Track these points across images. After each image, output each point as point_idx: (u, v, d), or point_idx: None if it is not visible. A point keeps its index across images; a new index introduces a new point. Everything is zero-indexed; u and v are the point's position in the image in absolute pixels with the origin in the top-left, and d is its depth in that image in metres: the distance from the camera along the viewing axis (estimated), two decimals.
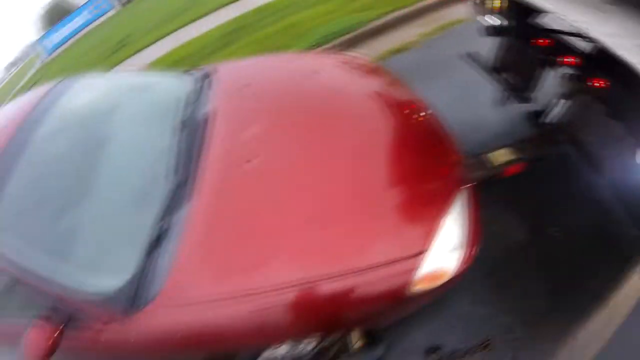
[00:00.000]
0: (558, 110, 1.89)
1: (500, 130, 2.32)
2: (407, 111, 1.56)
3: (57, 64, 16.36)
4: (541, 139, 1.90)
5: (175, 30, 8.28)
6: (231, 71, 1.92)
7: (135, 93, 1.86)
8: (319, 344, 1.61)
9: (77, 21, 20.74)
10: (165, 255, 1.22)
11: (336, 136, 1.40)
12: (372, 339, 1.68)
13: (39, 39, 21.04)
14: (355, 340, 1.67)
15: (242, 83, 1.72)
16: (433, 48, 3.41)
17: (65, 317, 1.22)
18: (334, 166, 1.31)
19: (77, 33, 20.52)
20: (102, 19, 20.40)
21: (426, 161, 1.37)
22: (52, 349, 1.16)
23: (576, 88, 1.71)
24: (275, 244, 1.17)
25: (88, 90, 1.85)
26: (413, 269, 1.12)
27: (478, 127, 2.33)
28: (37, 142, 1.47)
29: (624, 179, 1.47)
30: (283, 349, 1.51)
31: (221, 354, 1.29)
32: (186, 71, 2.17)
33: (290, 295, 1.10)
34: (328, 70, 1.85)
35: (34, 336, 1.17)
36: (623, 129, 1.45)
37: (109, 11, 20.68)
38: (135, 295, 1.19)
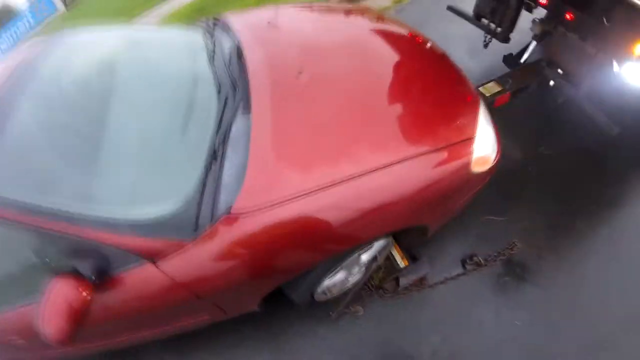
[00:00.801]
0: (533, 49, 2.19)
1: (486, 70, 2.58)
2: (420, 44, 1.72)
3: None
4: (521, 73, 2.17)
5: (145, 10, 7.67)
6: (240, 16, 1.89)
7: (154, 38, 1.77)
8: (367, 269, 1.68)
9: (19, 26, 18.44)
10: (233, 165, 1.15)
11: (367, 67, 1.51)
12: (413, 257, 1.78)
13: None
14: (399, 260, 1.76)
15: (261, 20, 1.73)
16: (419, 3, 3.61)
17: (98, 264, 1.05)
18: (377, 82, 1.44)
19: (21, 38, 18.45)
20: (47, 20, 18.53)
21: (450, 79, 1.58)
22: (85, 304, 0.97)
23: (548, 28, 2.01)
24: (348, 139, 1.21)
25: (95, 40, 1.70)
26: (471, 151, 1.29)
27: (466, 69, 2.59)
28: (60, 79, 1.35)
29: (603, 87, 1.76)
30: (339, 276, 1.56)
31: (290, 275, 1.29)
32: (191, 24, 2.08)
33: (370, 182, 1.14)
34: (346, 14, 1.95)
35: (59, 291, 0.96)
36: (593, 49, 1.75)
37: (53, 14, 18.92)
38: (198, 214, 1.08)
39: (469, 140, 1.30)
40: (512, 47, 2.26)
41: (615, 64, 1.66)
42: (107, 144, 1.18)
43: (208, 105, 1.30)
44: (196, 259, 1.08)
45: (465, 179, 1.32)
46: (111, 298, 1.11)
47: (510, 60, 2.31)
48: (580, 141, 2.13)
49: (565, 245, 1.78)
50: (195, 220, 1.08)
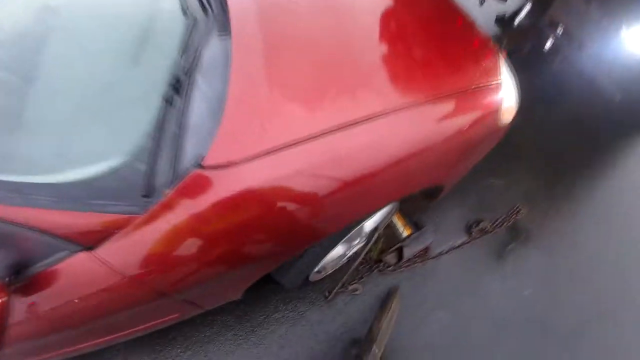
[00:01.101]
0: (525, 12, 2.07)
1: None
2: None
3: None
4: (518, 33, 2.05)
5: None
6: None
7: None
8: (368, 240, 1.43)
9: None
10: (206, 100, 0.79)
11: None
12: (415, 225, 1.57)
13: None
14: (401, 229, 1.54)
15: None
16: None
17: (13, 256, 0.70)
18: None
19: None
20: None
21: (465, 22, 1.32)
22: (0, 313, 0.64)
23: None
24: (364, 71, 0.92)
25: None
26: (501, 98, 1.08)
27: None
28: None
29: (607, 53, 1.68)
30: (337, 250, 1.28)
31: (289, 255, 0.99)
32: None
33: (393, 124, 0.86)
34: None
35: None
36: (599, 11, 1.65)
37: None
38: (151, 171, 0.70)
39: (498, 85, 1.08)
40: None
41: (623, 28, 1.56)
42: (18, 78, 0.74)
43: (168, 26, 0.87)
44: (152, 240, 0.71)
45: (493, 129, 1.10)
46: (36, 303, 0.73)
47: (504, 22, 2.20)
48: (577, 106, 2.07)
49: (566, 210, 1.71)
50: (147, 182, 0.70)
